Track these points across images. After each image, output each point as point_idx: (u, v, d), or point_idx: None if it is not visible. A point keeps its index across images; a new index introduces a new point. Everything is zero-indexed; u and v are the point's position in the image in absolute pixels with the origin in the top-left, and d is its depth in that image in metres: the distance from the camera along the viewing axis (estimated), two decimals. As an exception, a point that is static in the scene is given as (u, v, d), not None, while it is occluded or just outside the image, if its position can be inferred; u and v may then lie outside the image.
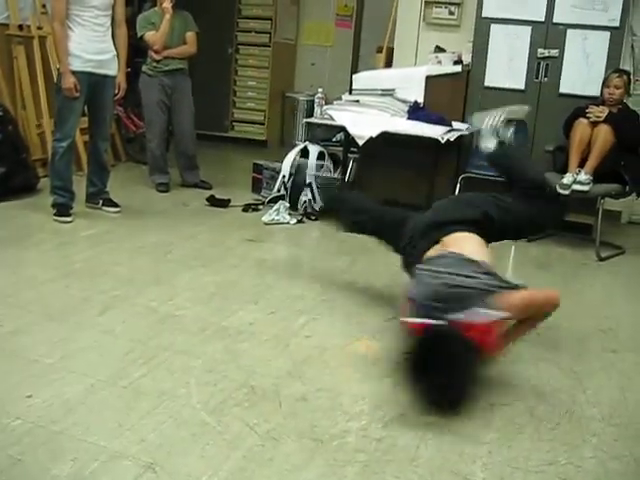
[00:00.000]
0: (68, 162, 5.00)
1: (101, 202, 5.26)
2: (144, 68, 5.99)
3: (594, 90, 5.18)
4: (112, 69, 4.93)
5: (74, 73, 4.65)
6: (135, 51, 7.93)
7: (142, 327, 3.17)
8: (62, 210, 4.90)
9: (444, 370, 2.43)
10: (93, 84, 4.81)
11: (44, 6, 6.37)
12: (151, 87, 5.93)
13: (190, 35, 5.97)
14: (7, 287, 3.56)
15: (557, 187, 4.86)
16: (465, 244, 2.96)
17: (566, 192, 4.83)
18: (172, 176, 6.18)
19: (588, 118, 4.96)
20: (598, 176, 4.86)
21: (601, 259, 4.86)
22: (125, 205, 5.39)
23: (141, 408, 2.45)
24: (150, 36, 5.83)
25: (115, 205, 5.25)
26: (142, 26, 5.89)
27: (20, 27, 6.17)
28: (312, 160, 5.56)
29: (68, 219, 4.87)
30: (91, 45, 4.74)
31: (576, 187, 4.82)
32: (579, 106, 5.09)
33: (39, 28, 6.32)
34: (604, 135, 4.86)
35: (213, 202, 5.61)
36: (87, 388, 2.56)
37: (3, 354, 2.82)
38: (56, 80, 4.89)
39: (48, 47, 6.36)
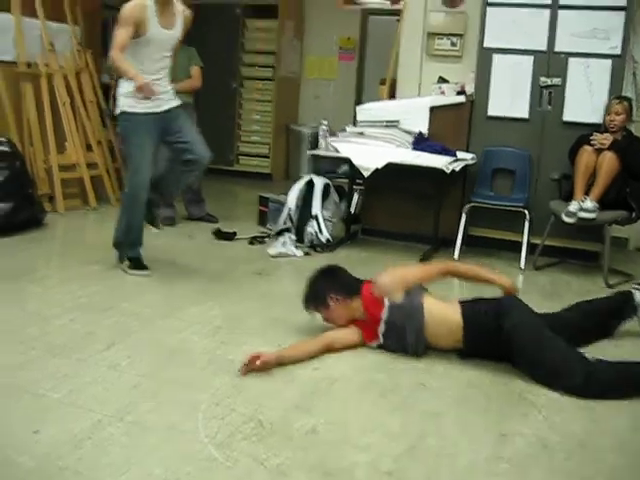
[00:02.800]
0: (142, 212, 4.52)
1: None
2: (150, 103, 6.02)
3: (598, 118, 5.20)
4: (174, 101, 4.49)
5: (135, 115, 4.26)
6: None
7: (148, 361, 3.15)
8: (138, 263, 4.56)
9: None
10: (159, 120, 4.34)
11: (51, 44, 6.46)
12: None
13: (195, 70, 6.02)
14: (12, 322, 3.55)
15: (563, 215, 4.86)
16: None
17: (572, 220, 4.82)
18: (178, 209, 6.20)
19: (593, 145, 4.97)
20: (604, 203, 4.85)
21: (609, 286, 4.83)
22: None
23: (148, 443, 2.43)
24: (155, 71, 5.86)
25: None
26: (147, 62, 5.92)
27: (28, 65, 6.24)
28: (317, 192, 5.57)
29: (147, 271, 4.52)
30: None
31: (582, 215, 4.80)
32: (583, 134, 5.10)
33: (46, 65, 6.41)
34: (609, 162, 4.86)
35: (219, 235, 5.62)
36: (94, 423, 2.53)
37: (9, 389, 2.80)
38: (119, 128, 4.58)
39: (55, 84, 6.44)
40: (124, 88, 4.26)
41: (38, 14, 6.41)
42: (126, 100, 4.26)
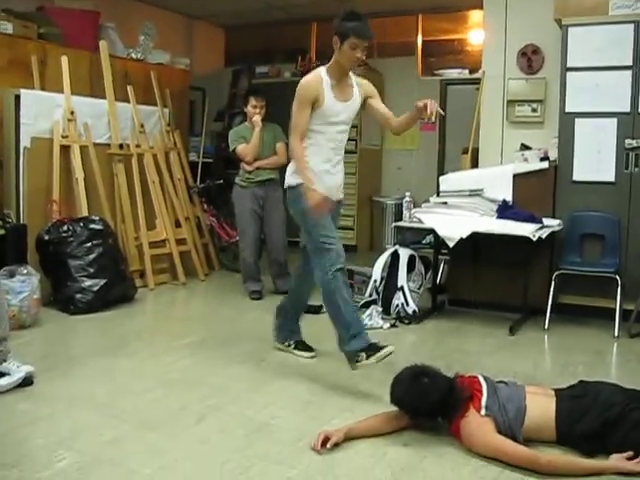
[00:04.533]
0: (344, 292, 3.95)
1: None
2: (237, 179, 6.21)
3: (687, 178, 5.05)
4: (341, 193, 4.30)
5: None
6: (226, 163, 8.29)
7: (238, 436, 3.15)
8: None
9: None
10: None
11: (142, 125, 6.76)
12: (244, 197, 6.12)
13: (280, 146, 6.16)
14: (104, 396, 3.63)
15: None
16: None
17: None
18: (265, 284, 6.28)
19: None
20: None
21: (632, 336, 4.59)
22: (219, 313, 5.48)
23: (238, 521, 2.42)
24: (242, 149, 6.06)
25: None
26: (234, 140, 6.13)
27: (120, 146, 6.53)
28: (403, 263, 5.56)
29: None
30: (326, 167, 4.07)
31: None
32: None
33: (137, 146, 6.69)
34: None
35: (305, 309, 5.63)
36: (185, 500, 2.54)
37: (101, 464, 2.84)
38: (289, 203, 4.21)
39: (146, 164, 6.70)
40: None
41: (129, 98, 6.73)
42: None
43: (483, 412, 3.00)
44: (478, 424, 2.98)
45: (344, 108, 4.05)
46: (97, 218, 5.84)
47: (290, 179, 4.11)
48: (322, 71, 4.02)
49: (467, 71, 8.87)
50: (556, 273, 5.34)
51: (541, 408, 3.07)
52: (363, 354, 3.81)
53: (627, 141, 5.37)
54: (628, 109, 5.36)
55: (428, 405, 3.07)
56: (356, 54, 3.89)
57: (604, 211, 5.44)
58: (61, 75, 6.11)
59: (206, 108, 9.37)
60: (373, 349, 3.81)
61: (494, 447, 2.91)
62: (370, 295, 5.56)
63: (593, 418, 2.95)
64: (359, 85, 4.14)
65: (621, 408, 2.94)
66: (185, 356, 4.41)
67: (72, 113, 6.08)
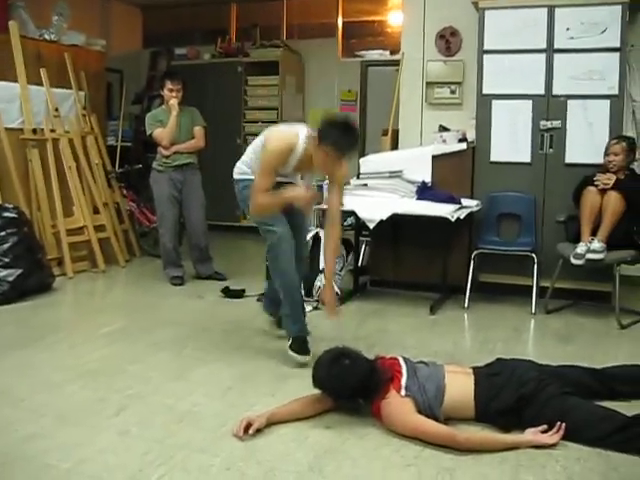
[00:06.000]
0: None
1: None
2: (154, 164, 6.10)
3: (599, 158, 5.19)
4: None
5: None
6: (146, 147, 8.14)
7: (159, 426, 3.11)
8: (304, 346, 4.01)
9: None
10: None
11: (57, 109, 6.57)
12: (161, 182, 6.02)
13: (198, 130, 6.09)
14: (21, 390, 3.53)
15: (571, 257, 4.84)
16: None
17: (580, 262, 4.80)
18: (186, 269, 6.21)
19: (596, 186, 4.97)
20: (612, 243, 4.83)
21: (623, 327, 4.78)
22: (140, 300, 5.40)
23: (159, 512, 2.39)
24: (158, 133, 5.95)
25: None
26: (150, 123, 6.02)
27: (34, 131, 6.33)
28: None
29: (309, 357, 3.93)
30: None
31: (590, 256, 4.78)
32: (586, 175, 5.11)
33: (52, 131, 6.50)
34: (614, 202, 4.85)
35: (228, 293, 5.61)
36: (104, 494, 2.50)
37: (17, 461, 2.77)
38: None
39: (61, 149, 6.52)
40: None
41: (43, 81, 6.52)
42: None
43: (403, 392, 3.04)
44: (398, 404, 3.02)
45: (294, 174, 4.02)
46: (11, 206, 5.67)
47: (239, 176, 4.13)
48: (300, 141, 3.81)
49: (388, 52, 8.91)
50: (475, 252, 5.45)
51: (460, 387, 3.13)
52: (291, 342, 3.98)
53: (542, 122, 5.50)
54: (542, 91, 5.49)
55: (349, 387, 3.09)
56: (327, 163, 3.73)
57: (520, 191, 5.57)
58: (-32, 57, 5.88)
59: (124, 91, 9.18)
60: (298, 343, 3.96)
61: (413, 426, 2.95)
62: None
63: (509, 395, 3.03)
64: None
65: (535, 384, 3.03)
66: (105, 345, 4.33)
67: (-19, 97, 5.86)
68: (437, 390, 3.08)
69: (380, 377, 3.11)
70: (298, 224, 4.20)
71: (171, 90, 5.99)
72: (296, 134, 3.84)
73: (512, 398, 3.01)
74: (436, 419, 3.01)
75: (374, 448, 2.92)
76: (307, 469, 2.71)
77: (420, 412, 3.01)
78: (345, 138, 3.67)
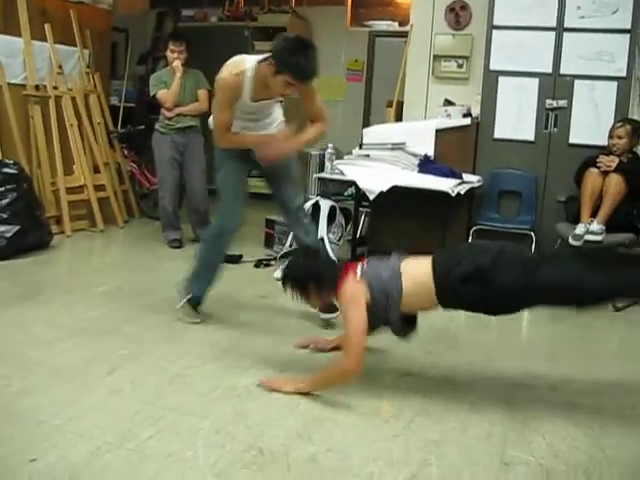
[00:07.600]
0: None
1: None
2: (157, 125, 6.06)
3: (604, 140, 5.18)
4: None
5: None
6: (149, 108, 8.10)
7: (150, 387, 3.13)
8: (194, 311, 4.13)
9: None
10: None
11: (60, 67, 6.52)
12: (163, 144, 5.99)
13: (202, 93, 6.04)
14: (14, 346, 3.55)
15: (570, 238, 4.84)
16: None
17: (579, 243, 4.80)
18: (185, 232, 6.20)
19: (599, 168, 4.95)
20: (611, 226, 4.83)
21: (617, 309, 4.79)
22: (137, 261, 5.40)
23: (147, 471, 2.41)
24: (162, 94, 5.91)
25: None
26: (154, 85, 5.97)
27: (37, 87, 6.29)
28: (324, 215, 5.57)
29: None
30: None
31: (589, 237, 4.78)
32: (589, 156, 5.10)
33: (55, 88, 6.45)
34: (615, 184, 4.85)
35: (225, 258, 5.59)
36: (93, 451, 2.51)
37: (8, 415, 2.79)
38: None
39: (64, 106, 6.48)
40: None
41: (47, 37, 6.46)
42: None
43: (358, 276, 3.11)
44: (350, 287, 3.10)
45: (260, 108, 3.83)
46: (11, 162, 5.64)
47: None
48: (248, 65, 3.60)
49: (397, 24, 8.83)
50: (474, 228, 5.45)
51: (417, 265, 3.12)
52: (188, 299, 4.07)
53: (548, 101, 5.47)
54: (550, 70, 5.46)
55: (313, 274, 3.21)
56: (286, 90, 3.53)
57: (522, 169, 5.56)
58: (-28, 10, 5.82)
59: (129, 51, 9.10)
60: (192, 306, 4.09)
61: (349, 315, 3.06)
62: (290, 246, 5.56)
63: (468, 262, 2.98)
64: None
65: (494, 253, 3.00)
66: (100, 305, 4.33)
67: (-16, 50, 5.81)
68: (393, 272, 3.09)
69: (340, 266, 3.28)
70: (284, 174, 4.13)
71: (173, 51, 5.94)
72: (242, 60, 3.64)
73: (471, 265, 2.95)
74: (395, 305, 3.04)
75: (364, 418, 2.94)
76: (296, 436, 2.72)
77: (375, 298, 3.05)
78: (304, 63, 3.40)
